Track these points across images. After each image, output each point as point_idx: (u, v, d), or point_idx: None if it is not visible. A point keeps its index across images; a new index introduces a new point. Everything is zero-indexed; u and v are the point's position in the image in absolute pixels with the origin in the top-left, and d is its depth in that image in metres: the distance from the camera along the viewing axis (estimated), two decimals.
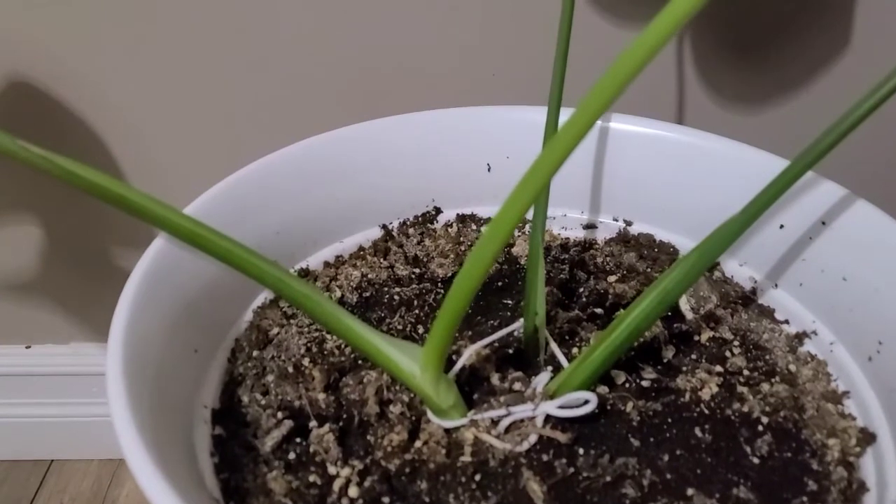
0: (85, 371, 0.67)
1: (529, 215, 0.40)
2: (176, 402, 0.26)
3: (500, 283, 0.37)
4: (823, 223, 0.32)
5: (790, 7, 0.49)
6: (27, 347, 0.67)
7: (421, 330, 0.34)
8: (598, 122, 0.38)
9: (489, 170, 0.39)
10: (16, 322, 0.65)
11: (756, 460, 0.28)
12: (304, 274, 0.36)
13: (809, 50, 0.51)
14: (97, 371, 0.67)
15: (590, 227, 0.40)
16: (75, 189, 0.24)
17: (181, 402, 0.26)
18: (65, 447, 0.71)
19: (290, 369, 0.30)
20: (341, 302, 0.35)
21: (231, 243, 0.24)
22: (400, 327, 0.34)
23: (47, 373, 0.67)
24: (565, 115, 0.31)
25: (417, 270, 0.37)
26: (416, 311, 0.35)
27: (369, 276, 0.37)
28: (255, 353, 0.31)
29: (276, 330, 0.32)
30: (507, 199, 0.22)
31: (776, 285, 0.34)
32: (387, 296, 0.36)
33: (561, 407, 0.28)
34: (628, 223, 0.39)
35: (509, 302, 0.36)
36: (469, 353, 0.30)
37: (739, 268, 0.36)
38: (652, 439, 0.29)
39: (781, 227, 0.33)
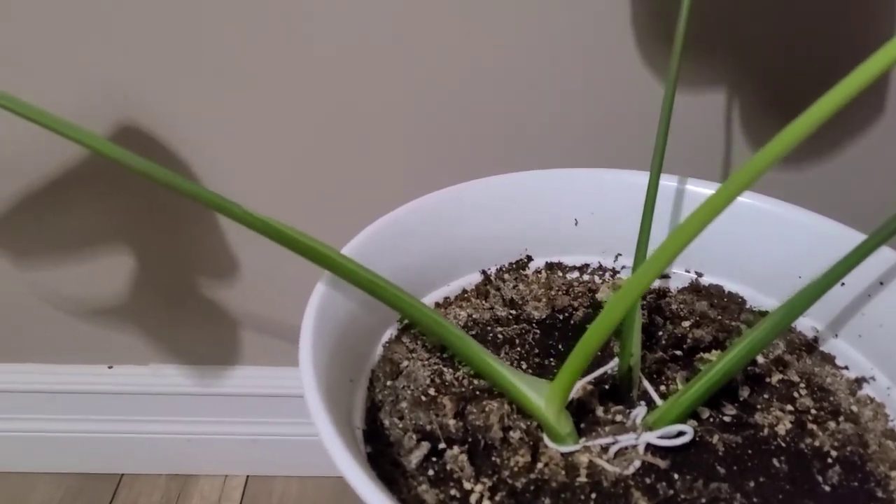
0: (162, 391, 0.71)
1: (612, 263, 0.45)
2: (344, 424, 0.30)
3: (588, 326, 0.42)
4: (882, 283, 0.37)
5: (830, 74, 0.54)
6: (109, 367, 0.71)
7: (524, 366, 0.39)
8: (675, 185, 0.43)
9: (576, 224, 0.44)
10: (100, 344, 0.70)
11: (828, 488, 0.32)
12: None
13: (847, 114, 0.56)
14: (174, 391, 0.71)
15: (663, 276, 0.45)
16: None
17: (346, 424, 0.31)
18: (136, 462, 0.76)
19: (423, 398, 0.35)
20: None
21: (402, 292, 0.30)
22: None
23: (127, 391, 0.71)
24: (665, 179, 0.36)
25: (514, 312, 0.42)
26: (518, 349, 0.40)
27: (474, 315, 0.41)
28: (388, 383, 0.36)
29: (405, 363, 0.37)
30: (649, 260, 0.26)
31: (836, 335, 0.39)
32: (490, 334, 0.40)
33: (660, 437, 0.33)
34: (699, 274, 0.44)
35: None
36: (577, 388, 0.35)
37: (803, 319, 0.41)
38: (736, 468, 0.33)
39: (842, 284, 0.38)
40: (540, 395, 0.32)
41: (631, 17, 0.52)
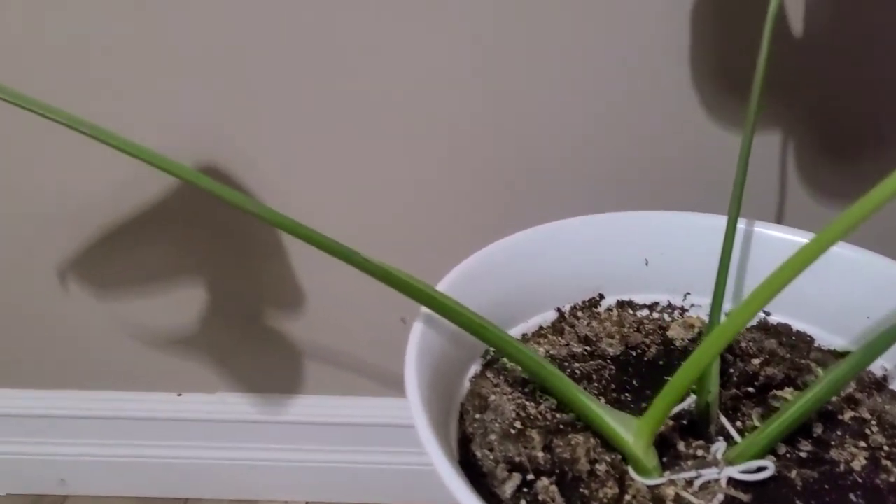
0: (229, 418, 0.74)
1: (680, 302, 0.47)
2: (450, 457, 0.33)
3: (661, 363, 0.43)
4: None
5: (884, 113, 0.56)
6: (178, 395, 0.74)
7: (602, 401, 0.40)
8: (743, 227, 0.45)
9: (647, 264, 0.46)
10: (170, 372, 0.73)
11: None
12: None
13: None
14: (240, 418, 0.74)
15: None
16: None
17: (450, 457, 0.33)
18: (202, 487, 0.78)
19: (511, 430, 0.37)
20: None
21: (501, 331, 0.32)
22: None
23: (195, 418, 0.74)
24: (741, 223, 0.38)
25: (589, 348, 0.44)
26: (596, 384, 0.42)
27: (551, 352, 0.43)
28: (477, 416, 0.38)
29: (492, 397, 0.39)
30: (743, 305, 0.28)
31: None
32: (568, 370, 0.42)
33: (742, 472, 0.34)
34: (767, 313, 0.46)
35: (669, 379, 0.42)
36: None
37: None
38: (814, 502, 0.35)
39: None
40: (628, 430, 0.34)
41: (689, 60, 0.54)
